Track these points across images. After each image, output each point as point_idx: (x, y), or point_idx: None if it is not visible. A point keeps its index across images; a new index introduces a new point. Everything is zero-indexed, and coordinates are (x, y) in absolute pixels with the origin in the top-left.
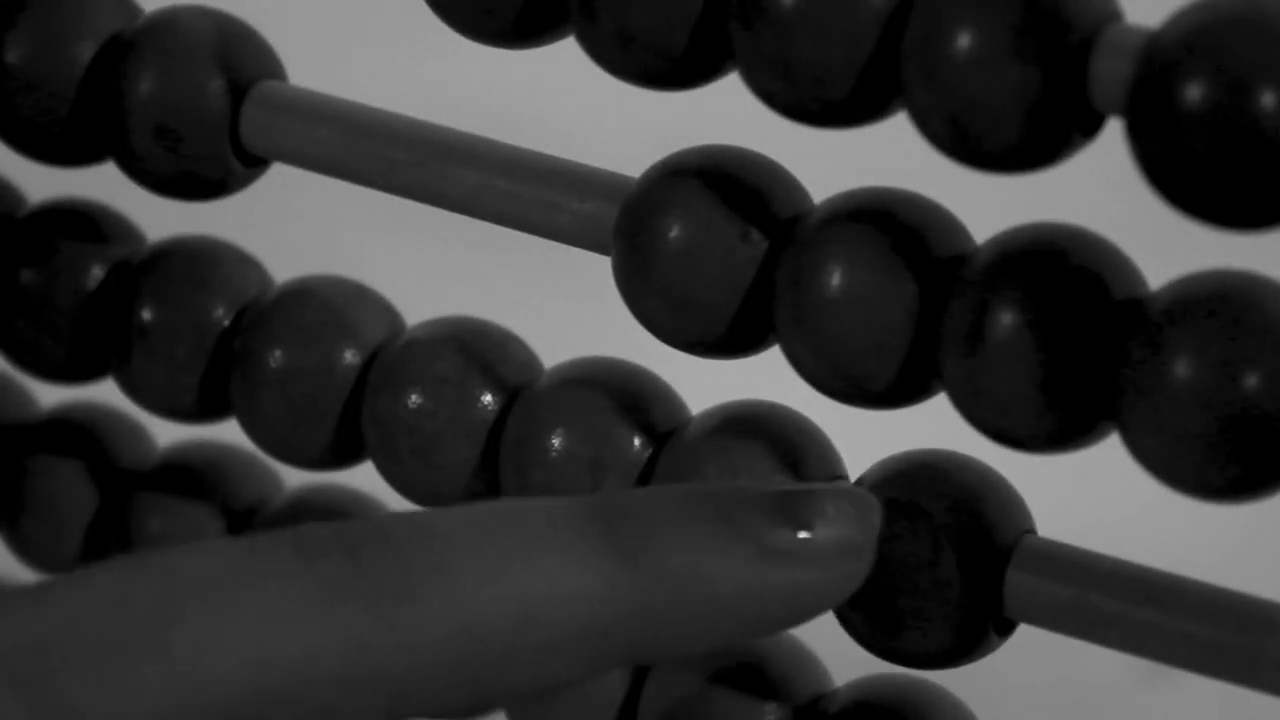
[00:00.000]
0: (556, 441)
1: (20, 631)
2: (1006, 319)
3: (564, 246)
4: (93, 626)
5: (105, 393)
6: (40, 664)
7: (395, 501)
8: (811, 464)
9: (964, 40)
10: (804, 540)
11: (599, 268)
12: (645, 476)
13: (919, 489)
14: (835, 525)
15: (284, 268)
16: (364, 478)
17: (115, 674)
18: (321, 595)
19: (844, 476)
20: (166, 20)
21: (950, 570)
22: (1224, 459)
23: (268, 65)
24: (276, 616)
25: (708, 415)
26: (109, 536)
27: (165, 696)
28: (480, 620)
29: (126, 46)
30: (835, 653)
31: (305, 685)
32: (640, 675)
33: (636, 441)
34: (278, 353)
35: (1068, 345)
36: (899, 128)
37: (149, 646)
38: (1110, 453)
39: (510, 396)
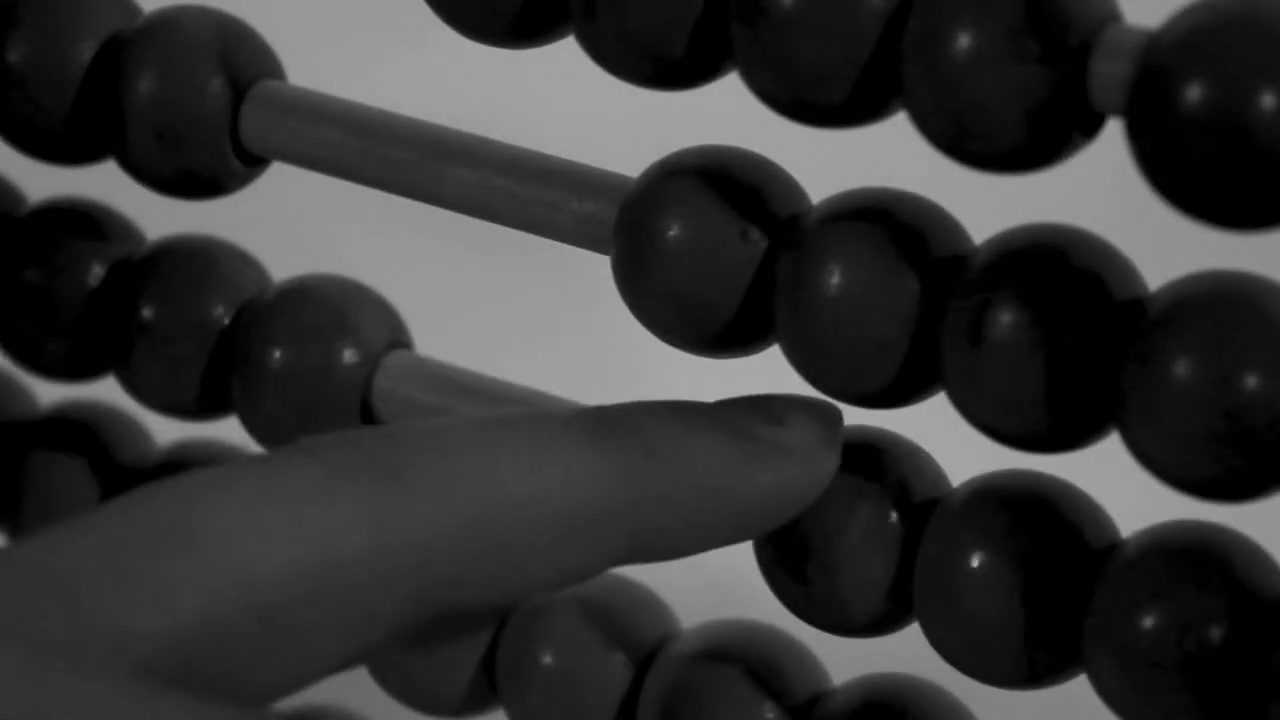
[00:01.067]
0: None
1: (56, 559)
2: (1006, 319)
3: (564, 246)
4: (121, 541)
5: (105, 390)
6: (80, 586)
7: None
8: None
9: (964, 40)
10: (784, 431)
11: (599, 268)
12: None
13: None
14: (807, 421)
15: (284, 268)
16: None
17: (149, 582)
18: (330, 479)
19: None
20: (166, 20)
21: None
22: (1223, 459)
23: (268, 65)
24: (292, 501)
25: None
26: None
27: (201, 591)
28: (491, 492)
29: (126, 46)
30: (835, 652)
31: (331, 565)
32: (641, 672)
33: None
34: (277, 352)
35: (1067, 345)
36: (899, 128)
37: (177, 546)
38: (1110, 453)
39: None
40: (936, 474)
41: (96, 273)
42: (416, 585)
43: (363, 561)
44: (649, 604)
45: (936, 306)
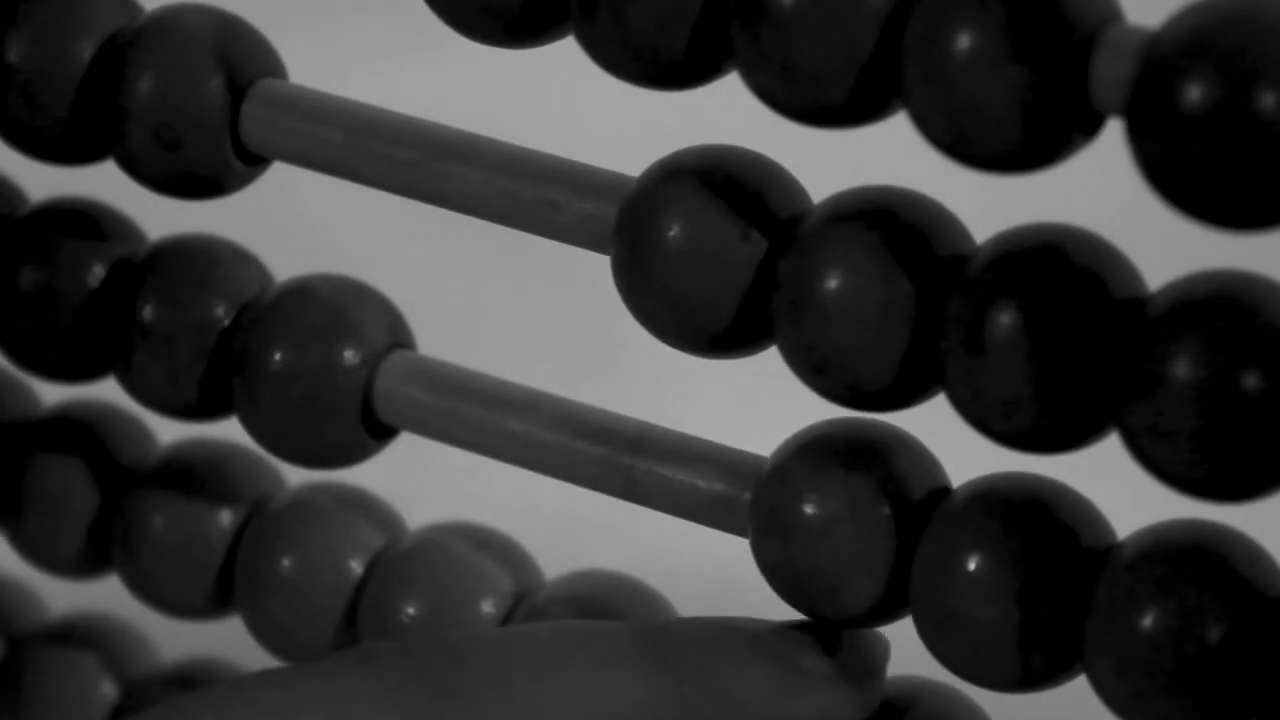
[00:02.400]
0: None
1: None
2: (1006, 319)
3: (564, 246)
4: None
5: (106, 391)
6: None
7: (396, 500)
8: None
9: (964, 40)
10: (827, 662)
11: (599, 268)
12: None
13: None
14: (853, 651)
15: (284, 267)
16: (365, 475)
17: None
18: (388, 701)
19: None
20: (166, 19)
21: None
22: (1224, 459)
23: (268, 64)
24: None
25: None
26: (110, 534)
27: None
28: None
29: (126, 45)
30: None
31: None
32: None
33: None
34: (278, 352)
35: (1068, 345)
36: (899, 128)
37: None
38: (1110, 453)
39: None
40: (931, 465)
41: (96, 273)
42: None
43: None
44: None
45: (936, 306)
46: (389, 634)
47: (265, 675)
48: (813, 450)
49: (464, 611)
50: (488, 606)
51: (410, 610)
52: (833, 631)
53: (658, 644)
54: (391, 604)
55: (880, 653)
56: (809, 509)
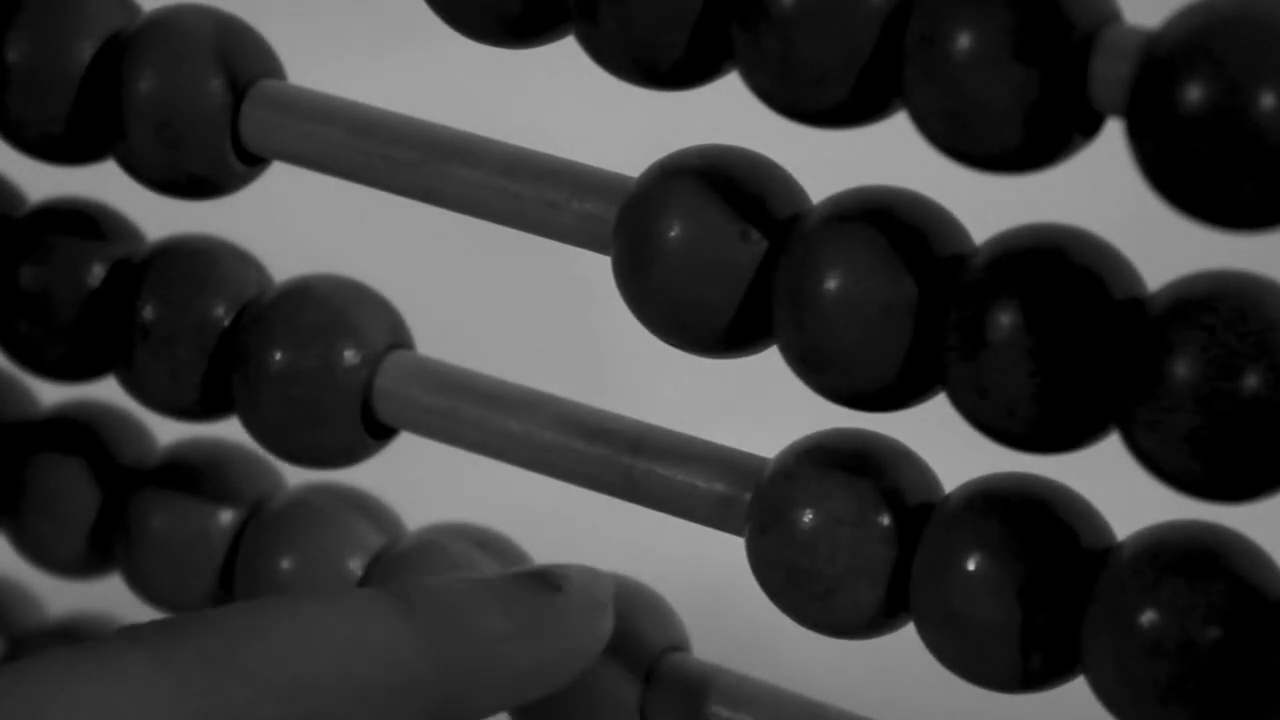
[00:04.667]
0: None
1: None
2: (1006, 319)
3: (564, 246)
4: None
5: (106, 390)
6: None
7: (395, 499)
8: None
9: (964, 40)
10: (559, 597)
11: (599, 268)
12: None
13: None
14: (581, 585)
15: (284, 268)
16: (365, 475)
17: None
18: (161, 667)
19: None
20: (166, 19)
21: None
22: (1224, 459)
23: (267, 64)
24: (118, 697)
25: None
26: (111, 534)
27: None
28: (303, 669)
29: (126, 45)
30: (833, 655)
31: None
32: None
33: None
34: (278, 352)
35: (1067, 346)
36: (899, 128)
37: None
38: (1110, 453)
39: None
40: (929, 478)
41: (96, 273)
42: None
43: None
44: (657, 610)
45: (936, 307)
46: None
47: (43, 658)
48: (817, 454)
49: None
50: None
51: None
52: (560, 573)
53: (404, 596)
54: None
55: (604, 585)
56: (811, 511)
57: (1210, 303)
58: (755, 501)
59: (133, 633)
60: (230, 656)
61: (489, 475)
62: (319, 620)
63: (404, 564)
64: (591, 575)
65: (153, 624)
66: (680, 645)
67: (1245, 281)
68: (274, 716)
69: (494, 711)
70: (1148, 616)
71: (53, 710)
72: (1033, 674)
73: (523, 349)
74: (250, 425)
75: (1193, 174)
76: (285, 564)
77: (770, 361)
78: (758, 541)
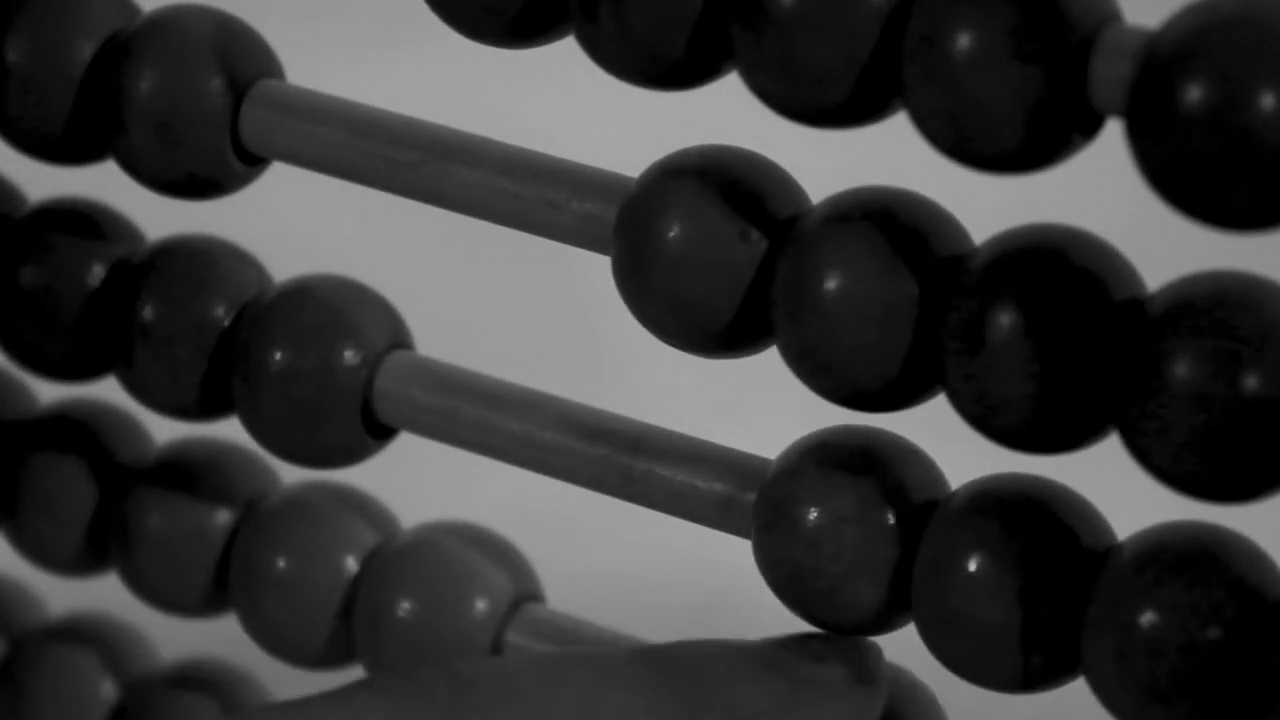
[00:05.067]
0: None
1: None
2: (1006, 320)
3: (564, 246)
4: None
5: (104, 389)
6: None
7: (395, 499)
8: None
9: (964, 40)
10: (826, 668)
11: (599, 268)
12: None
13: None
14: (849, 658)
15: (284, 268)
16: (364, 475)
17: None
18: (391, 716)
19: None
20: (166, 19)
21: None
22: (1224, 459)
23: (267, 65)
24: None
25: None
26: (108, 532)
27: None
28: None
29: (126, 46)
30: None
31: None
32: None
33: None
34: (278, 352)
35: (1067, 346)
36: (899, 128)
37: None
38: (1110, 453)
39: None
40: (934, 475)
41: (96, 273)
42: None
43: None
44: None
45: (936, 307)
46: (384, 632)
47: (279, 707)
48: (822, 452)
49: (457, 610)
50: (481, 605)
51: (404, 608)
52: (828, 643)
53: (658, 663)
54: (386, 602)
55: (875, 659)
56: (816, 509)
57: (1210, 303)
58: (760, 499)
59: (375, 684)
60: (479, 716)
61: (489, 475)
62: (572, 684)
63: (398, 562)
64: (863, 645)
65: (396, 675)
66: None
67: (1245, 282)
68: None
69: None
70: (1148, 617)
71: None
72: (1033, 674)
73: (522, 349)
74: (250, 425)
75: (1192, 174)
76: (280, 562)
77: (770, 361)
78: (763, 538)
